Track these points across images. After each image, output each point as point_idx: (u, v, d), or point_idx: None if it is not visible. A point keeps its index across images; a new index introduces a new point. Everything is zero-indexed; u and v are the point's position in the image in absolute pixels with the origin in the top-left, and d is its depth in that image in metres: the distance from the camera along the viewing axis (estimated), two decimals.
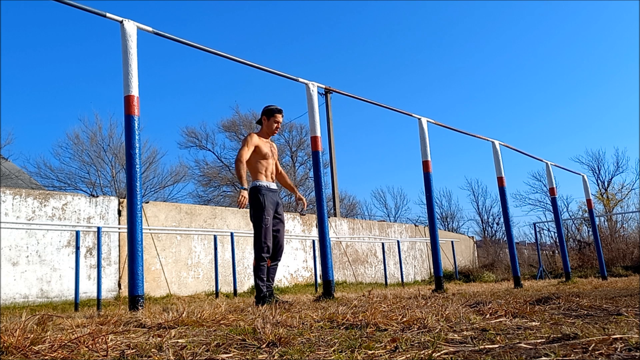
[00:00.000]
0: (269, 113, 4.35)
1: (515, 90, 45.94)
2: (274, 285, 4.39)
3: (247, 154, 4.13)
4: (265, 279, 4.08)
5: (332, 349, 1.43)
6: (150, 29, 3.72)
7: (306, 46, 45.31)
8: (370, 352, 1.37)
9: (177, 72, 40.48)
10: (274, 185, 4.29)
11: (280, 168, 4.55)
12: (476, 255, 19.70)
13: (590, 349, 1.27)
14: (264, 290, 4.04)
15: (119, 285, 9.51)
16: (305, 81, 4.91)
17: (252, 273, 4.16)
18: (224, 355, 1.39)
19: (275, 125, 4.35)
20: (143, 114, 4.45)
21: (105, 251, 9.35)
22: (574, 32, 43.34)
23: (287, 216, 13.03)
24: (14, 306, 7.59)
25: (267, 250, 4.09)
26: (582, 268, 13.91)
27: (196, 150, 31.51)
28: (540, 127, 45.21)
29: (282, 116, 4.39)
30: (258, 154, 4.22)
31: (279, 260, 4.29)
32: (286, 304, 3.56)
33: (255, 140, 4.23)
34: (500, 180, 7.16)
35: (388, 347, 1.42)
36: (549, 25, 42.75)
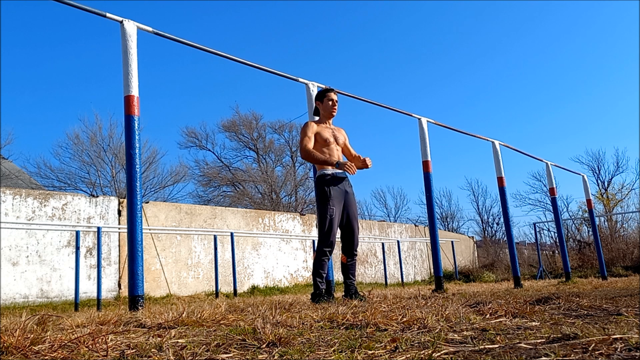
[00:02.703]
0: (321, 95, 4.13)
1: (515, 90, 45.96)
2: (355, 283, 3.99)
3: (309, 142, 3.86)
4: (324, 275, 3.78)
5: (332, 349, 1.43)
6: (150, 29, 3.73)
7: (306, 46, 45.32)
8: (370, 352, 1.37)
9: (177, 72, 40.48)
10: (341, 173, 3.94)
11: (354, 152, 4.18)
12: (476, 255, 19.70)
13: (590, 349, 1.27)
14: (321, 287, 3.74)
15: (119, 285, 9.51)
16: (305, 81, 4.91)
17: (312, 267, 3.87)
18: (224, 355, 1.39)
19: (331, 103, 4.07)
20: (143, 114, 4.43)
21: (105, 251, 9.35)
22: (574, 32, 43.35)
23: (287, 216, 13.04)
24: (14, 306, 7.59)
25: (331, 245, 3.78)
26: (582, 268, 13.91)
27: (196, 150, 31.48)
28: (540, 127, 45.23)
29: (335, 93, 4.13)
30: (319, 142, 3.93)
31: (356, 254, 4.00)
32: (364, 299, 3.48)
33: (313, 127, 3.95)
34: (500, 180, 7.16)
35: (388, 347, 1.42)
36: (549, 25, 42.76)
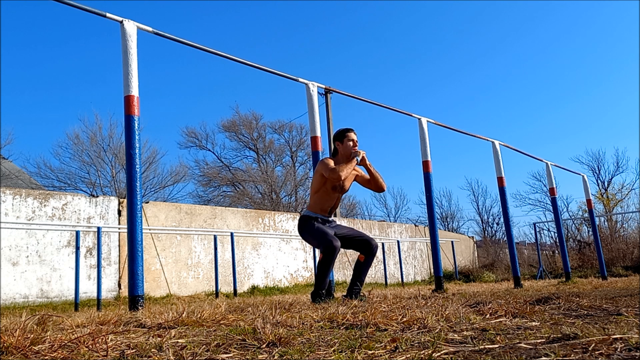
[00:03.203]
0: (340, 136, 3.95)
1: (515, 90, 45.97)
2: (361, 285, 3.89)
3: (332, 163, 3.79)
4: (329, 275, 3.71)
5: (332, 349, 1.43)
6: (150, 29, 3.72)
7: (306, 46, 45.33)
8: (370, 352, 1.37)
9: (177, 72, 40.50)
10: (327, 218, 3.91)
11: (367, 176, 4.08)
12: (476, 255, 19.70)
13: (590, 349, 1.27)
14: (324, 285, 3.68)
15: (119, 285, 9.51)
16: (305, 81, 4.91)
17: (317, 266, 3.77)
18: (224, 355, 1.39)
19: (352, 144, 3.91)
20: (143, 114, 4.42)
21: (105, 251, 9.35)
22: (574, 32, 43.36)
23: (287, 216, 13.04)
24: (14, 306, 7.59)
25: (331, 242, 3.61)
26: (582, 268, 13.91)
27: (196, 150, 31.49)
28: (540, 127, 45.24)
29: (354, 133, 3.98)
30: (328, 184, 3.85)
31: (374, 246, 3.88)
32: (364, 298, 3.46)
33: (333, 163, 3.83)
34: (500, 180, 7.16)
35: (388, 347, 1.42)
36: (549, 25, 42.77)
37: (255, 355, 1.39)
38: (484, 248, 21.58)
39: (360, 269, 3.91)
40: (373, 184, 4.05)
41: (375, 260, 16.60)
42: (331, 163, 3.83)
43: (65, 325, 1.97)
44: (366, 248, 3.90)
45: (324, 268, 3.64)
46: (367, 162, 3.95)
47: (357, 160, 3.87)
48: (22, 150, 41.20)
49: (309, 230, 3.81)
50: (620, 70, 41.33)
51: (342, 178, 3.77)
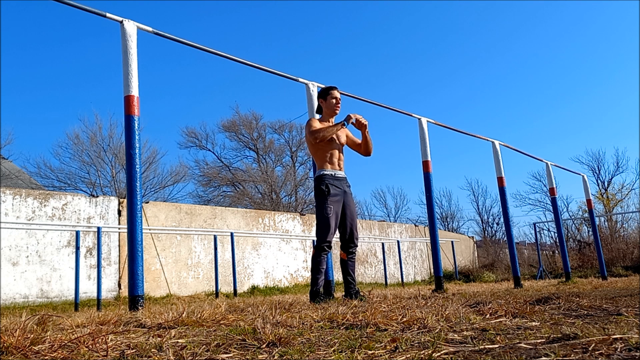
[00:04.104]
0: (324, 93, 4.11)
1: (515, 90, 45.95)
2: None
3: (317, 124, 3.91)
4: (323, 271, 3.78)
5: (332, 349, 1.43)
6: (150, 29, 3.73)
7: (306, 46, 45.32)
8: (370, 352, 1.37)
9: (177, 72, 40.47)
10: (340, 174, 3.98)
11: (358, 140, 4.20)
12: (476, 255, 19.70)
13: (590, 349, 1.27)
14: (319, 284, 3.73)
15: (119, 285, 9.51)
16: (305, 81, 4.91)
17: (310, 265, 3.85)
18: (224, 355, 1.39)
19: (335, 101, 4.06)
20: (143, 114, 4.42)
21: (105, 251, 9.35)
22: (574, 32, 43.35)
23: (287, 216, 13.04)
24: (14, 306, 7.59)
25: (329, 242, 3.77)
26: (582, 268, 13.91)
27: (196, 150, 31.48)
28: (540, 127, 45.21)
29: (338, 90, 4.12)
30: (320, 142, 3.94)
31: (355, 247, 3.99)
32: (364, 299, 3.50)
33: (318, 124, 3.95)
34: (500, 180, 7.16)
35: (388, 347, 1.42)
36: (549, 25, 42.77)
37: (255, 355, 1.39)
38: (484, 248, 21.58)
39: (346, 267, 3.99)
40: (363, 147, 4.17)
41: (375, 260, 16.48)
42: (315, 123, 3.93)
43: (65, 325, 1.97)
44: (348, 245, 3.99)
45: (315, 265, 3.76)
46: (366, 130, 4.05)
47: (346, 124, 3.90)
48: (22, 150, 41.20)
49: (322, 203, 3.84)
50: (621, 70, 41.34)
51: (323, 140, 3.88)
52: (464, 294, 3.89)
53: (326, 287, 4.31)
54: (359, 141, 4.18)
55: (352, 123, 3.96)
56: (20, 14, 32.95)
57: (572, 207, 31.32)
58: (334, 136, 3.99)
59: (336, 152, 4.00)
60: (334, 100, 4.07)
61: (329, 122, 4.08)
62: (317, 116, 4.26)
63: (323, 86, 5.33)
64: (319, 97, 4.18)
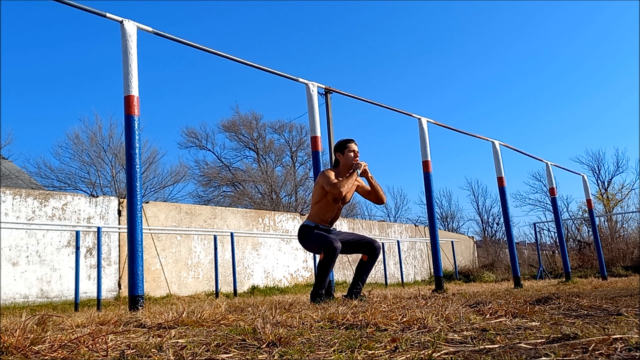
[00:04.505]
0: (341, 147, 3.95)
1: (515, 90, 45.97)
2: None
3: (333, 176, 3.78)
4: (329, 275, 3.70)
5: (332, 349, 1.43)
6: (150, 29, 3.72)
7: (306, 46, 45.33)
8: (370, 352, 1.37)
9: (177, 72, 40.49)
10: (327, 227, 3.91)
11: (368, 187, 4.07)
12: (476, 255, 19.70)
13: (590, 349, 1.27)
14: (324, 285, 3.68)
15: (119, 285, 9.51)
16: (305, 81, 4.91)
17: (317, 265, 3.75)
18: (224, 355, 1.39)
19: (352, 154, 3.90)
20: (143, 114, 4.42)
21: (105, 251, 9.35)
22: (574, 32, 43.35)
23: (287, 216, 13.04)
24: (14, 306, 7.59)
25: (331, 243, 3.60)
26: (582, 268, 13.91)
27: (196, 150, 31.47)
28: (540, 127, 45.24)
29: (356, 144, 3.97)
30: (329, 195, 3.81)
31: (377, 247, 3.89)
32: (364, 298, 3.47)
33: (333, 176, 3.80)
34: (500, 180, 7.16)
35: (388, 347, 1.42)
36: (549, 25, 42.77)
37: (255, 355, 1.39)
38: (484, 248, 21.58)
39: (363, 269, 3.91)
40: (373, 195, 4.05)
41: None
42: (332, 175, 3.81)
43: (65, 325, 1.97)
44: (369, 249, 3.90)
45: (324, 268, 3.64)
46: (369, 175, 3.95)
47: (357, 172, 3.85)
48: (22, 150, 41.23)
49: (309, 236, 3.81)
50: (620, 70, 41.36)
51: (343, 193, 3.76)
52: (464, 294, 3.89)
53: (326, 287, 4.30)
54: (369, 189, 4.06)
55: (358, 173, 3.87)
56: (20, 14, 32.96)
57: (572, 207, 31.34)
58: (340, 196, 3.86)
59: (334, 211, 3.92)
60: (352, 154, 3.91)
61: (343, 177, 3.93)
62: (332, 173, 3.97)
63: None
64: (335, 151, 4.02)
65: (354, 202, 29.20)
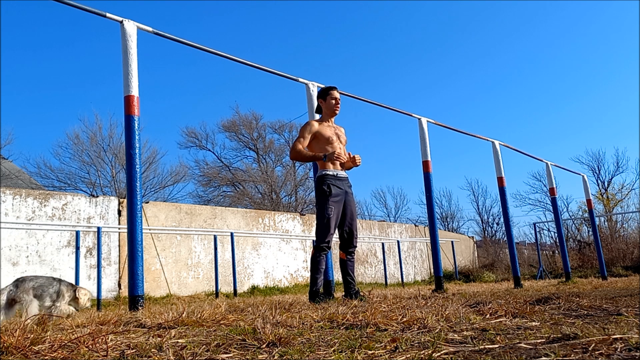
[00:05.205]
0: (323, 93, 4.11)
1: (515, 90, 45.93)
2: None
3: (300, 144, 3.88)
4: (322, 271, 3.78)
5: (332, 349, 1.43)
6: (150, 29, 3.73)
7: (306, 46, 45.32)
8: (370, 352, 1.37)
9: (177, 72, 40.46)
10: (342, 174, 3.96)
11: (348, 153, 4.19)
12: (476, 255, 19.70)
13: (590, 349, 1.27)
14: (318, 284, 3.73)
15: (119, 285, 9.51)
16: (305, 81, 4.91)
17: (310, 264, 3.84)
18: (224, 355, 1.39)
19: (334, 102, 4.06)
20: (143, 114, 4.42)
21: (105, 251, 9.35)
22: (574, 32, 43.34)
23: (287, 216, 13.04)
24: None
25: (328, 243, 3.77)
26: (582, 268, 13.91)
27: (196, 150, 31.49)
28: (540, 127, 45.20)
29: (337, 91, 4.13)
30: (321, 140, 3.94)
31: (354, 252, 4.00)
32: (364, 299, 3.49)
33: (314, 127, 3.95)
34: (500, 180, 7.16)
35: (388, 347, 1.42)
36: (549, 25, 42.76)
37: (255, 355, 1.39)
38: (484, 248, 21.58)
39: (346, 267, 3.99)
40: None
41: (375, 260, 16.49)
42: (305, 134, 3.93)
43: (65, 325, 1.97)
44: (347, 245, 3.99)
45: (315, 265, 3.76)
46: (357, 162, 4.05)
47: (323, 159, 3.86)
48: (22, 150, 41.18)
49: (324, 203, 3.83)
50: (621, 70, 41.34)
51: (294, 159, 3.99)
52: (464, 294, 3.89)
53: (326, 287, 4.31)
54: (347, 154, 4.15)
55: (324, 159, 3.91)
56: (20, 14, 32.95)
57: (572, 207, 31.27)
58: (334, 135, 3.99)
59: (338, 150, 3.97)
60: (333, 101, 4.08)
61: (328, 122, 4.09)
62: (317, 116, 4.26)
63: (323, 86, 5.33)
64: (318, 97, 4.18)
65: None
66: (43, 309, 2.90)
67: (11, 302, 2.92)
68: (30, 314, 2.75)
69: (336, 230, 3.91)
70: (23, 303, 2.89)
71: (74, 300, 3.24)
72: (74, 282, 3.68)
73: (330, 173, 3.89)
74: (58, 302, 3.05)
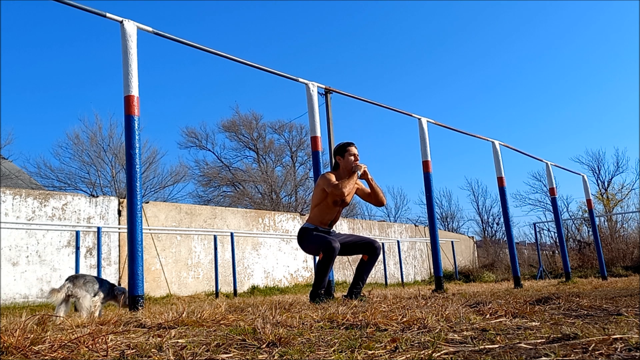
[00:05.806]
0: (341, 150, 3.96)
1: (515, 91, 45.95)
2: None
3: (334, 178, 3.79)
4: (328, 274, 3.71)
5: (332, 349, 1.43)
6: (150, 29, 3.72)
7: (306, 46, 45.32)
8: (370, 352, 1.37)
9: (177, 72, 40.48)
10: (327, 229, 3.92)
11: (367, 190, 4.07)
12: (476, 255, 19.70)
13: (590, 349, 1.27)
14: (323, 284, 3.69)
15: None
16: (305, 81, 4.91)
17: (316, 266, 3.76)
18: (224, 355, 1.39)
19: (353, 158, 3.92)
20: (143, 114, 4.42)
21: (105, 251, 9.35)
22: (574, 32, 43.35)
23: (287, 216, 13.04)
24: (14, 306, 7.59)
25: (330, 244, 3.58)
26: (582, 268, 13.91)
27: (196, 150, 31.51)
28: (540, 127, 45.22)
29: (355, 147, 3.98)
30: (329, 198, 3.83)
31: (378, 254, 3.90)
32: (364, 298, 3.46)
33: (334, 178, 3.82)
34: (500, 180, 7.16)
35: (388, 347, 1.42)
36: (549, 26, 42.77)
37: (255, 355, 1.39)
38: (484, 248, 21.58)
39: (363, 268, 3.92)
40: (373, 197, 4.05)
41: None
42: (332, 178, 3.82)
43: (65, 325, 1.97)
44: (369, 249, 3.91)
45: (323, 268, 3.65)
46: (369, 177, 3.95)
47: (358, 174, 3.85)
48: (22, 150, 41.21)
49: (308, 238, 3.82)
50: (621, 70, 41.35)
51: (345, 194, 3.76)
52: (464, 294, 3.89)
53: (326, 287, 4.30)
54: (369, 191, 4.06)
55: (358, 175, 3.87)
56: (20, 14, 32.96)
57: (572, 207, 31.29)
58: (339, 199, 3.88)
59: (334, 214, 3.92)
60: (352, 158, 3.93)
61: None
62: (332, 175, 3.98)
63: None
64: (335, 155, 4.03)
65: (353, 202, 29.23)
66: (91, 303, 3.30)
67: (67, 298, 3.27)
68: (84, 307, 3.22)
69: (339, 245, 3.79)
70: (79, 297, 3.26)
71: (114, 298, 3.54)
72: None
73: (313, 228, 3.85)
74: (96, 297, 3.39)
